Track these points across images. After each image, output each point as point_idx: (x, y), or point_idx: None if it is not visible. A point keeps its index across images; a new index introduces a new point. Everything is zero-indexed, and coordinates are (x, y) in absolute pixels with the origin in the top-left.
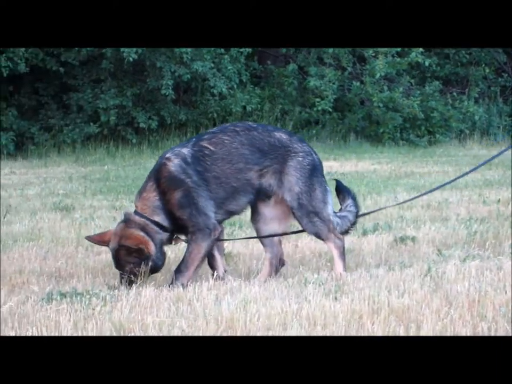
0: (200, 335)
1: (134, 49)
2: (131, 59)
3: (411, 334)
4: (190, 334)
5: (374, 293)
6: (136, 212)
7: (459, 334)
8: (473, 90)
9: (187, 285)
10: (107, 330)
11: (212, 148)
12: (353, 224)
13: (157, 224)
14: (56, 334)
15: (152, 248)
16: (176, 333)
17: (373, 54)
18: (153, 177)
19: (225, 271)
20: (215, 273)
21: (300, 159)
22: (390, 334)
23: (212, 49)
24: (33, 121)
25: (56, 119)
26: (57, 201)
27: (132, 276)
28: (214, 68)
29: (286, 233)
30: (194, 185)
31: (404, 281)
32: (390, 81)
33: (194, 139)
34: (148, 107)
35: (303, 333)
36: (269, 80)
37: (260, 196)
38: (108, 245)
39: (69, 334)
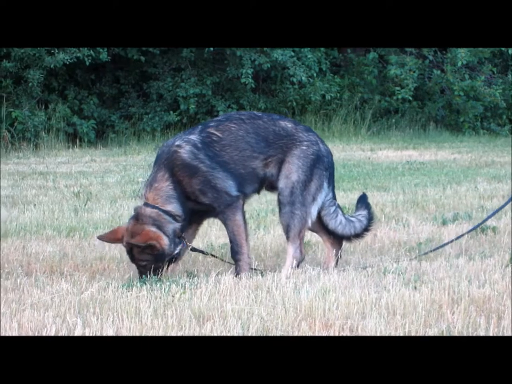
0: (279, 323)
1: None
2: (211, 48)
3: (492, 325)
4: (269, 322)
5: (454, 282)
6: (146, 204)
7: None
8: None
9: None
10: (187, 317)
11: (219, 134)
12: (358, 235)
13: (169, 214)
14: (137, 320)
15: (164, 241)
16: (255, 320)
17: None
18: (164, 167)
19: (302, 260)
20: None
21: (304, 147)
22: (471, 324)
23: None
24: (114, 109)
25: (136, 108)
26: (137, 189)
27: (151, 271)
28: (294, 56)
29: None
30: (208, 168)
31: (484, 272)
32: (471, 69)
33: (200, 126)
34: (227, 95)
35: (382, 322)
36: (348, 69)
37: (267, 186)
38: (121, 242)
39: (149, 321)
